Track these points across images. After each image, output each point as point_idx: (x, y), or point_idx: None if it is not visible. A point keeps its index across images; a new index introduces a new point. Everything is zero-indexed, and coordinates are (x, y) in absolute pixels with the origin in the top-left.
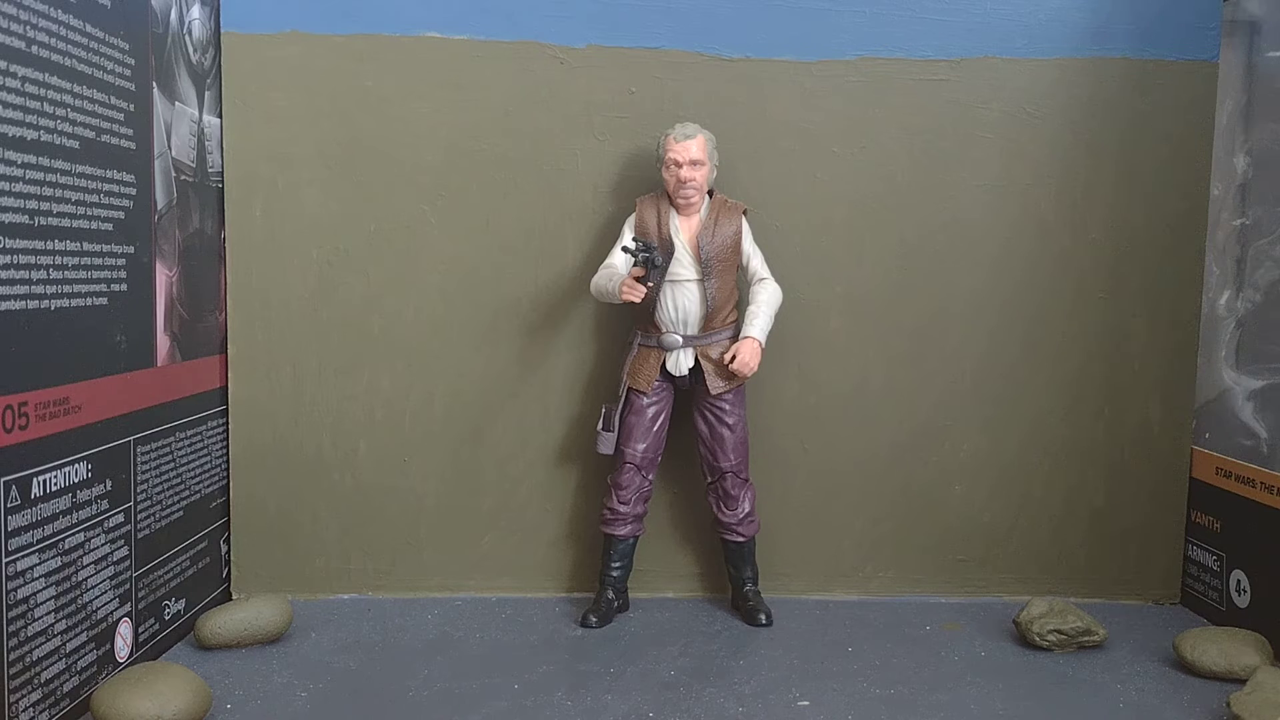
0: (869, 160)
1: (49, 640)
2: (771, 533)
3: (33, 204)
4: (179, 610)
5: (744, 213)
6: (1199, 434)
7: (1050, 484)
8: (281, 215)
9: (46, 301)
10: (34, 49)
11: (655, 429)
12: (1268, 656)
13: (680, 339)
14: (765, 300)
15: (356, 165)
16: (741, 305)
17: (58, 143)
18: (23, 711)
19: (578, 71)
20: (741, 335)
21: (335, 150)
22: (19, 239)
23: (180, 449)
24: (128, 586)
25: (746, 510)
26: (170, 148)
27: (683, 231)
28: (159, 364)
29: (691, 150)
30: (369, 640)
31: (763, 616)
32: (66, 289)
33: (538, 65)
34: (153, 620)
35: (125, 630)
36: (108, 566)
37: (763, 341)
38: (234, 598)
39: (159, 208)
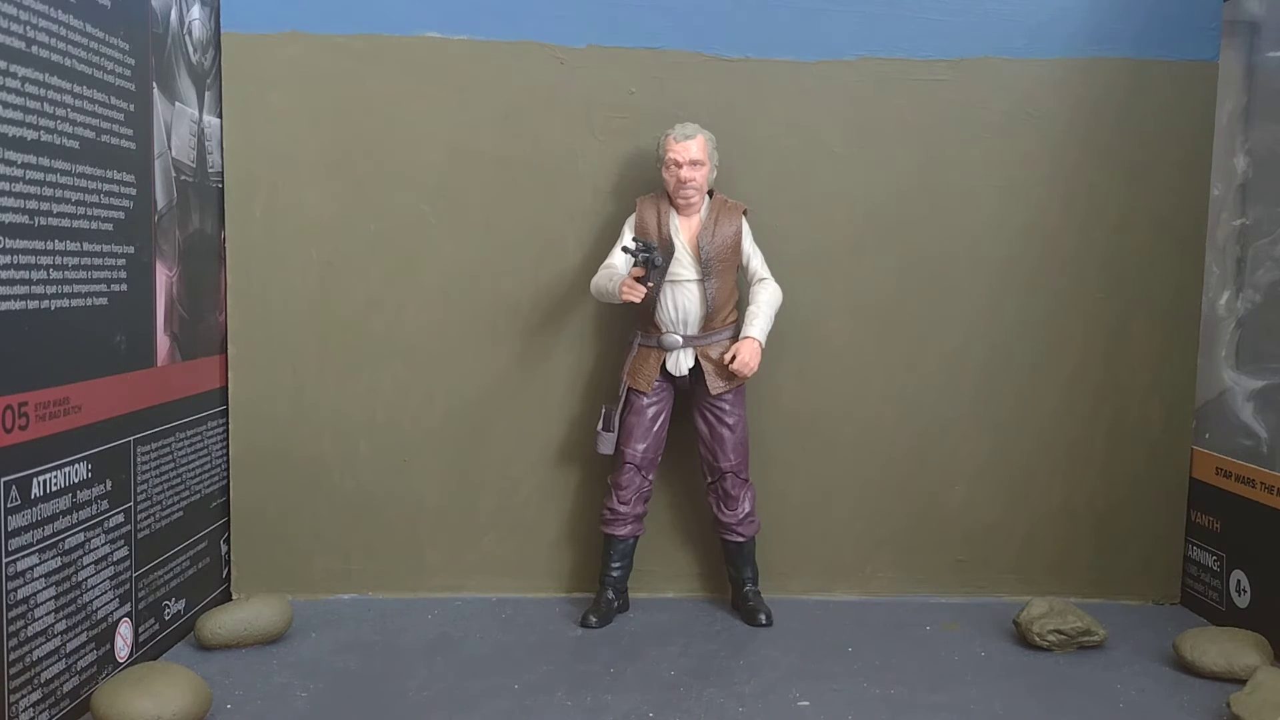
0: (869, 160)
1: (49, 640)
2: (771, 533)
3: (33, 204)
4: (179, 610)
5: (744, 213)
6: (1199, 434)
7: (1050, 484)
8: (281, 215)
9: (46, 301)
10: (34, 49)
11: (655, 429)
12: (1268, 656)
13: (680, 339)
14: (765, 300)
15: (357, 165)
16: (741, 305)
17: (58, 143)
18: (23, 711)
19: (578, 71)
20: (741, 335)
21: (335, 150)
22: (19, 239)
23: (180, 449)
24: (128, 586)
25: (746, 510)
26: (170, 148)
27: (683, 231)
28: (159, 364)
29: (691, 150)
30: (369, 640)
31: (763, 616)
32: (66, 289)
33: (538, 65)
34: (153, 620)
35: (125, 630)
36: (108, 566)
37: (762, 341)
38: (234, 598)
39: (159, 208)
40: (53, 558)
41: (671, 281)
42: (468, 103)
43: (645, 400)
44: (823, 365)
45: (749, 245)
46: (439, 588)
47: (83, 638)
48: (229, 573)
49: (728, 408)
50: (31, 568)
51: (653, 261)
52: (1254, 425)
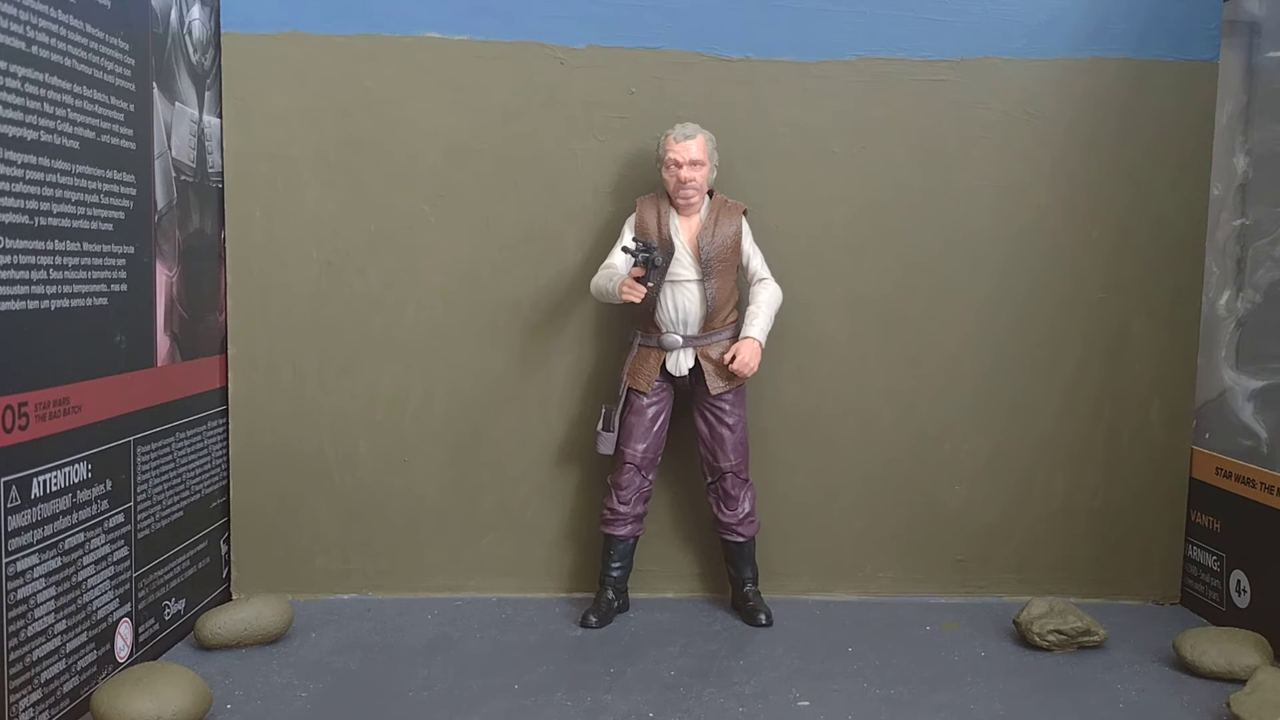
0: (869, 161)
1: (49, 640)
2: (771, 533)
3: (33, 204)
4: (179, 610)
5: (744, 213)
6: (1199, 434)
7: (1050, 484)
8: (281, 215)
9: (46, 301)
10: (34, 49)
11: (655, 429)
12: (1268, 656)
13: (680, 339)
14: (765, 300)
15: (356, 165)
16: (742, 305)
17: (58, 143)
18: (23, 711)
19: (578, 71)
20: (741, 335)
21: (335, 150)
22: (19, 239)
23: (180, 449)
24: (128, 586)
25: (746, 510)
26: (170, 148)
27: (683, 232)
28: (159, 364)
29: (691, 150)
30: (369, 640)
31: (763, 616)
32: (66, 289)
33: (538, 65)
34: (153, 620)
35: (125, 630)
36: (108, 566)
37: (763, 341)
38: (234, 598)
39: (159, 208)
40: (53, 558)
41: (671, 281)
42: (468, 103)
43: (645, 400)
44: (823, 365)
45: (749, 245)
46: (439, 588)
47: (83, 638)
48: (229, 573)
49: (728, 408)
50: (31, 568)
51: (653, 261)
52: (1254, 425)
